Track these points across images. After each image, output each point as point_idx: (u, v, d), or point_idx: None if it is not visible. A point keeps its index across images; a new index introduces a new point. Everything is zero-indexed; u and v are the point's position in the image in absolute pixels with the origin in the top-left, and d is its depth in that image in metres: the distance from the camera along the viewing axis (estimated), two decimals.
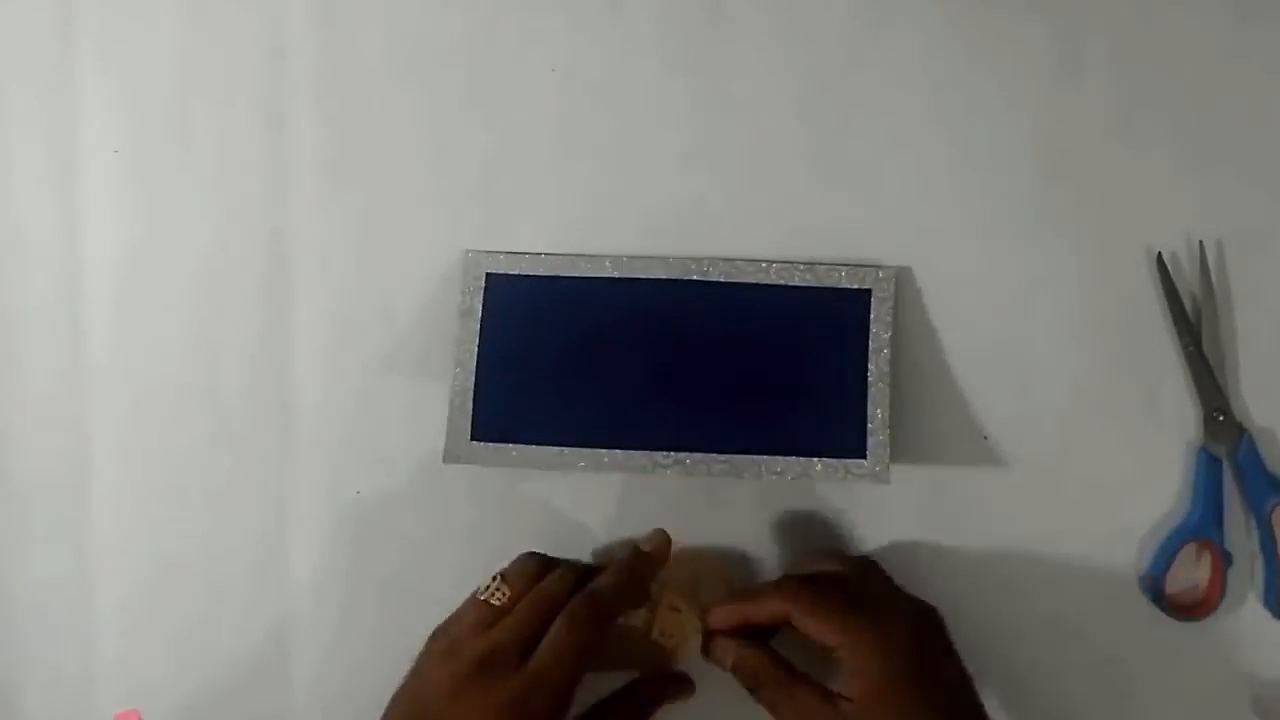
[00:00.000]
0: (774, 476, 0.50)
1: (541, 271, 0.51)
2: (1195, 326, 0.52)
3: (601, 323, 0.51)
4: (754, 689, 0.46)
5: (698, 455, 0.51)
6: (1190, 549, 0.52)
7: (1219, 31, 0.52)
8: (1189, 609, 0.52)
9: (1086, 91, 0.52)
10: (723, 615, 0.48)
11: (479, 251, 0.51)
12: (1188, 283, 0.52)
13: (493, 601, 0.46)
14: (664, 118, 0.52)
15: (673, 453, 0.51)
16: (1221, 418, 0.52)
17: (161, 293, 0.52)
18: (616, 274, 0.51)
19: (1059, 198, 0.52)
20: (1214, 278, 0.52)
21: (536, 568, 0.48)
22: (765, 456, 0.50)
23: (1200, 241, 0.52)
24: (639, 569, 0.49)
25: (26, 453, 0.53)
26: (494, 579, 0.47)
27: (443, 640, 0.46)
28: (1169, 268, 0.52)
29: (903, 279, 0.52)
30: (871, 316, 0.51)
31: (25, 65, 0.52)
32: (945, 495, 0.52)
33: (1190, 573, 0.53)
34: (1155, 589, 0.52)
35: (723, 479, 0.51)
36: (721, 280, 0.51)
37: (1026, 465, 0.53)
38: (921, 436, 0.52)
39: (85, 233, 0.52)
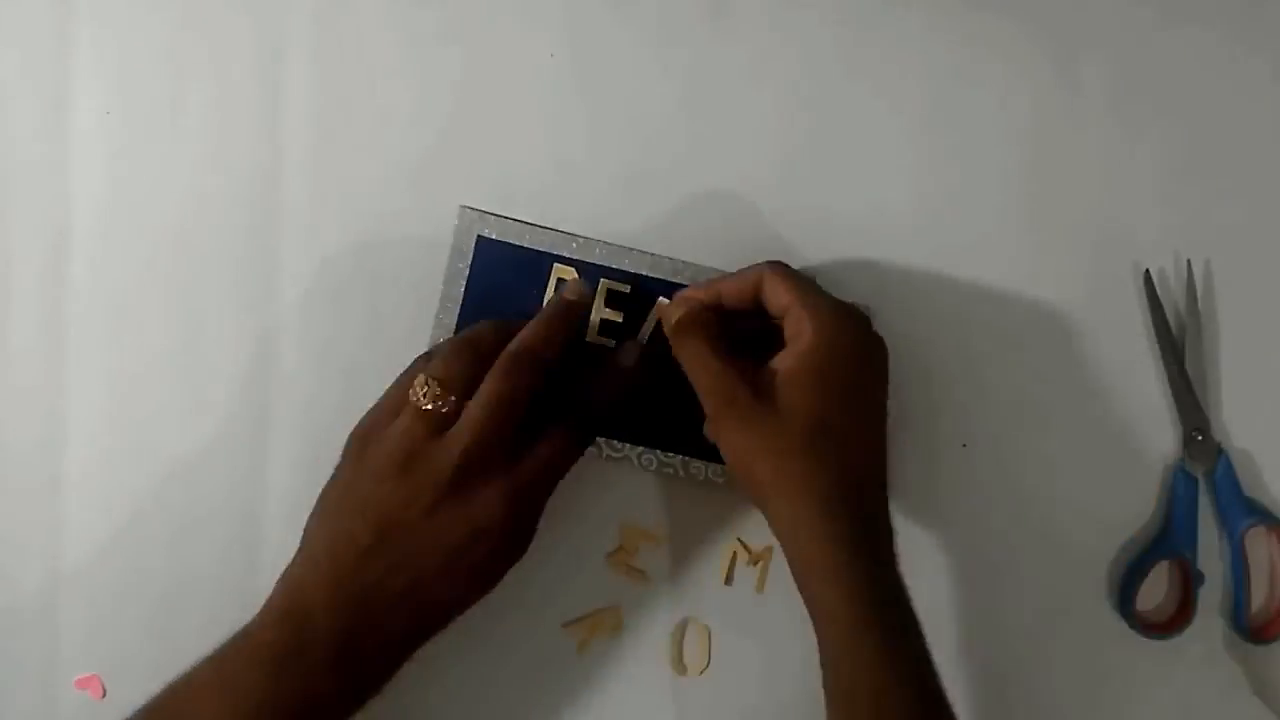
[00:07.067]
0: (719, 483, 0.51)
1: (532, 244, 0.51)
2: (1179, 345, 0.52)
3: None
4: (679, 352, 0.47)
5: (654, 451, 0.51)
6: (1163, 567, 0.53)
7: (1213, 50, 0.52)
8: (1158, 627, 0.53)
9: (1079, 108, 0.52)
10: (693, 291, 0.48)
11: (473, 210, 0.51)
12: (1174, 301, 0.52)
13: (442, 409, 0.44)
14: (658, 112, 0.52)
15: (628, 445, 0.51)
16: (1200, 437, 0.52)
17: (149, 256, 0.51)
18: (604, 262, 0.51)
19: (1049, 211, 0.52)
20: (1200, 297, 0.52)
21: (468, 361, 0.45)
22: (718, 464, 0.51)
23: (1188, 260, 0.52)
24: (566, 317, 0.48)
25: (1, 415, 0.52)
26: (425, 382, 0.44)
27: (387, 458, 0.44)
28: (1155, 285, 0.52)
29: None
30: None
31: (18, 27, 0.51)
32: (919, 508, 0.52)
33: (1162, 591, 0.53)
34: (1126, 606, 0.52)
35: (674, 478, 0.51)
36: None
37: (1003, 477, 0.53)
38: (901, 450, 0.52)
39: (76, 194, 0.51)
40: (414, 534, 0.43)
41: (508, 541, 0.45)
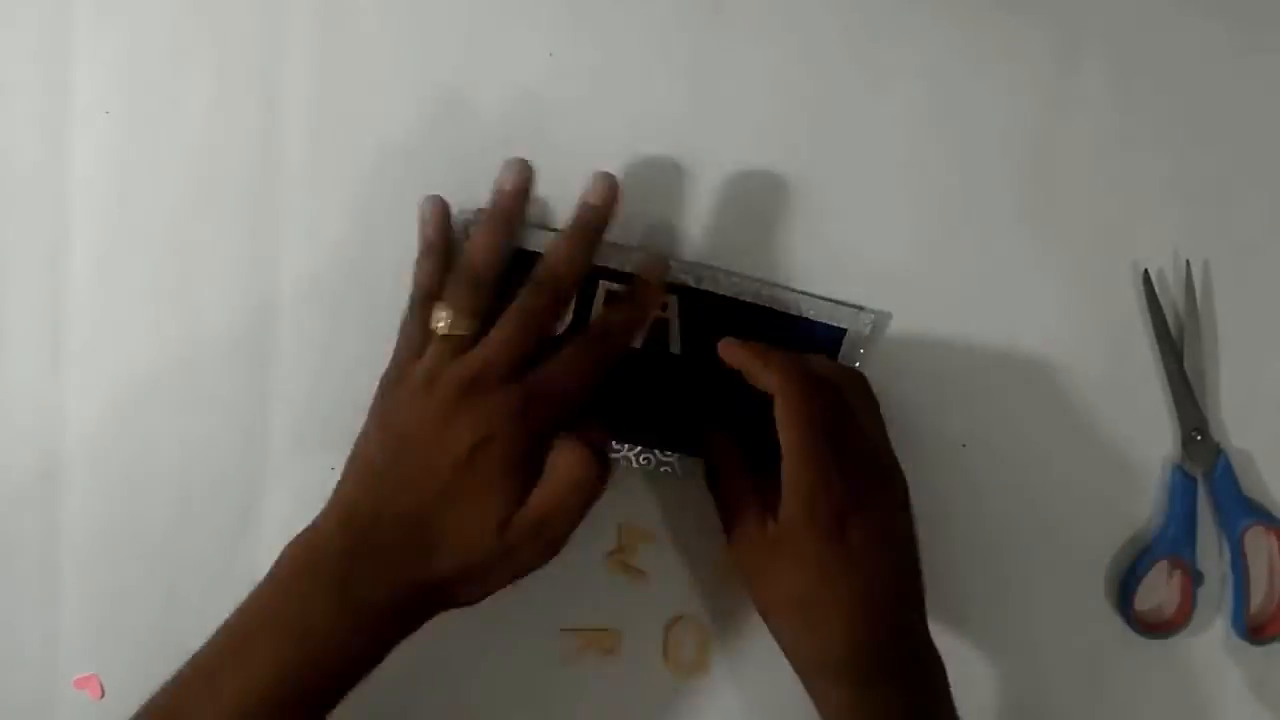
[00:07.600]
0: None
1: (530, 244, 0.51)
2: (1178, 345, 0.52)
3: (581, 304, 0.51)
4: (714, 479, 0.49)
5: (653, 451, 0.51)
6: (1162, 567, 0.53)
7: (1215, 50, 0.52)
8: (1157, 626, 0.53)
9: (1081, 106, 0.52)
10: (730, 348, 0.48)
11: (466, 210, 0.51)
12: (1173, 301, 0.52)
13: (455, 333, 0.44)
14: (658, 111, 0.52)
15: (626, 445, 0.51)
16: (1199, 437, 0.52)
17: (149, 254, 0.52)
18: (604, 262, 0.51)
19: (1049, 209, 0.52)
20: (1199, 297, 0.52)
21: (472, 289, 0.45)
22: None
23: (1187, 260, 0.52)
24: (589, 232, 0.47)
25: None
26: (443, 312, 0.44)
27: (409, 381, 0.44)
28: (1155, 285, 0.52)
29: (880, 324, 0.51)
30: (840, 355, 0.51)
31: (18, 25, 0.51)
32: (919, 508, 0.52)
33: (1161, 590, 0.53)
34: (1126, 606, 0.52)
35: (672, 478, 0.51)
36: (705, 289, 0.51)
37: (1003, 477, 0.53)
38: (902, 450, 0.52)
39: (76, 194, 0.51)
40: (425, 449, 0.43)
41: (516, 461, 0.43)
